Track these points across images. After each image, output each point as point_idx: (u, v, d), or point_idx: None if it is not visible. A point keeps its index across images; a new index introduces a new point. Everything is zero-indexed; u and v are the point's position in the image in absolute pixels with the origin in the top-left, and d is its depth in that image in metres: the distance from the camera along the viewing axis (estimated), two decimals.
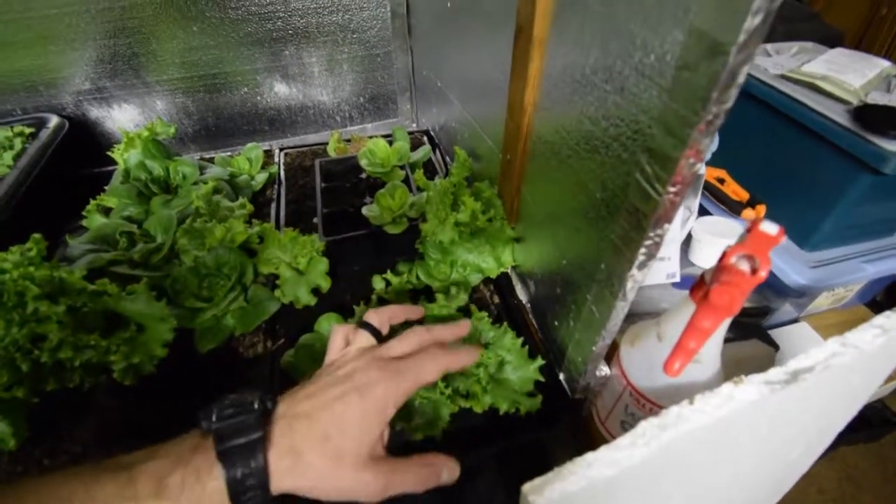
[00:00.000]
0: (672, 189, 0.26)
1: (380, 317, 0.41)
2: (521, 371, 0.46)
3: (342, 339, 0.40)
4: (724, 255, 0.27)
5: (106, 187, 0.68)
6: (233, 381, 0.48)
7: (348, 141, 0.79)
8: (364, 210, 0.55)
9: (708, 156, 0.56)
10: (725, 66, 0.20)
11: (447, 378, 0.44)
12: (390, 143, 0.77)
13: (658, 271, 0.57)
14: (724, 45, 0.20)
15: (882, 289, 0.71)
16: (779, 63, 0.64)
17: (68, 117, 0.75)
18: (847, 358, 0.32)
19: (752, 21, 0.19)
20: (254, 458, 0.29)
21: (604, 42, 0.30)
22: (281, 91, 0.84)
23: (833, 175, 0.58)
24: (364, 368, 0.35)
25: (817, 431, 0.43)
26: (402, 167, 0.64)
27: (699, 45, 0.22)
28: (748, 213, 0.60)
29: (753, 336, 0.58)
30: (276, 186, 0.72)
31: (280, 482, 0.30)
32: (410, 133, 0.84)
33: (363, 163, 0.63)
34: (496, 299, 0.56)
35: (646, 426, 0.28)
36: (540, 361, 0.45)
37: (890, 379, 0.63)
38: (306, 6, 0.75)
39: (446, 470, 0.36)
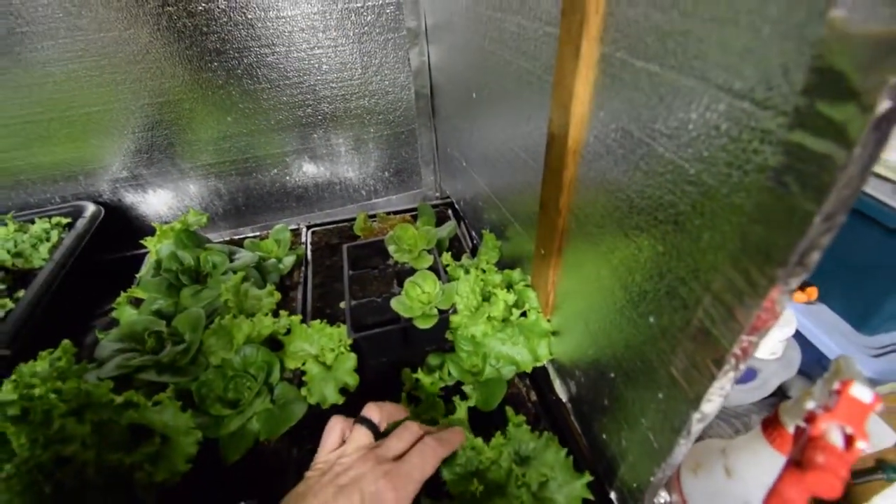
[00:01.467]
0: (749, 337, 0.23)
1: (381, 413, 0.41)
2: (567, 488, 0.42)
3: (339, 436, 0.40)
4: (812, 420, 0.24)
5: (137, 275, 0.69)
6: (259, 493, 0.45)
7: (373, 217, 0.80)
8: (393, 303, 0.54)
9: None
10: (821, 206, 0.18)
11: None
12: (414, 217, 0.76)
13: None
14: (803, 211, 0.18)
15: None
16: None
17: (104, 203, 0.78)
18: None
19: (848, 172, 0.17)
20: None
21: (650, 177, 0.29)
22: (309, 170, 0.86)
23: (885, 254, 0.54)
24: (370, 476, 0.34)
25: None
26: (429, 251, 0.63)
27: (769, 206, 0.20)
28: (800, 296, 0.56)
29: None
30: (303, 268, 0.71)
31: None
32: (434, 206, 0.84)
33: (391, 248, 0.62)
34: (533, 396, 0.53)
35: None
36: (588, 477, 0.41)
37: None
38: (335, 94, 0.78)
39: None
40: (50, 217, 0.70)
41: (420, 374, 0.50)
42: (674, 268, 0.28)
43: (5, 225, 0.67)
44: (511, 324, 0.52)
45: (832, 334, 0.57)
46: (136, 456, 0.42)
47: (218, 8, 0.66)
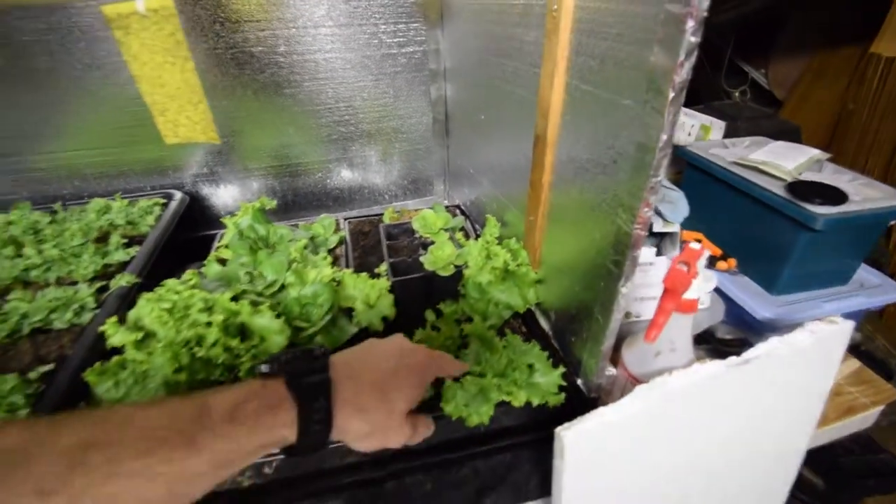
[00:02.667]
0: (637, 227, 0.44)
1: None
2: (548, 377, 0.60)
3: None
4: (671, 265, 0.44)
5: (216, 245, 0.88)
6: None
7: (397, 211, 1.00)
8: (421, 258, 0.73)
9: (680, 218, 0.74)
10: (654, 160, 0.39)
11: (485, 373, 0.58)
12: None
13: (650, 309, 0.72)
14: (651, 148, 0.39)
15: None
16: (733, 153, 0.86)
17: (187, 193, 0.97)
18: (784, 350, 0.47)
19: (666, 133, 0.38)
20: (322, 396, 0.35)
21: (591, 145, 0.50)
22: (346, 176, 1.07)
23: (781, 234, 0.75)
24: (411, 350, 0.45)
25: (788, 423, 0.56)
26: (446, 230, 0.83)
27: (637, 147, 0.41)
28: (721, 265, 0.77)
29: None
30: (343, 246, 0.91)
31: (343, 424, 0.36)
32: (446, 207, 1.04)
33: (416, 226, 0.83)
34: (524, 329, 0.72)
35: (640, 388, 0.44)
36: (562, 369, 0.59)
37: (857, 410, 0.73)
38: (371, 116, 1.01)
39: (431, 428, 0.48)
40: (150, 198, 0.89)
41: (442, 306, 0.69)
42: (603, 202, 0.49)
43: (116, 200, 0.86)
44: (509, 274, 0.71)
45: (751, 295, 0.77)
46: (245, 345, 0.59)
47: (295, 52, 0.89)
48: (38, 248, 0.74)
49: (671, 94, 0.36)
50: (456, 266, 0.74)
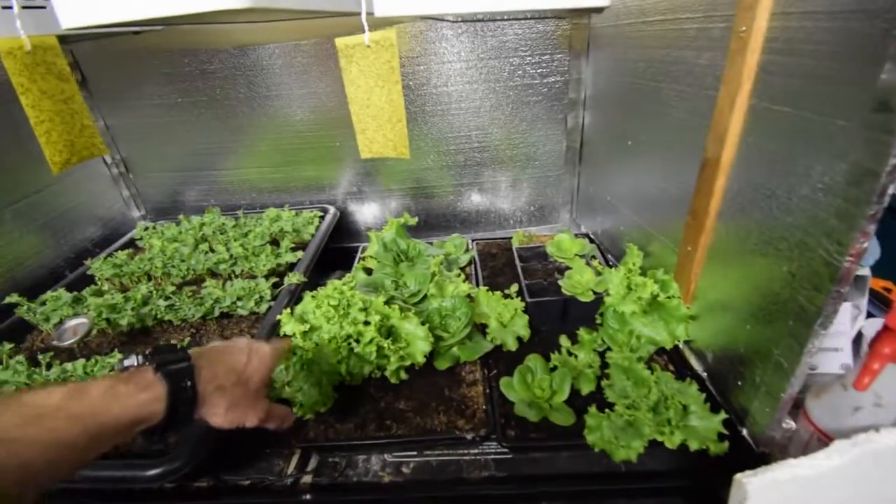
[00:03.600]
0: (849, 259, 0.38)
1: None
2: (706, 421, 0.54)
3: None
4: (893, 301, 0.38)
5: (359, 255, 0.97)
6: (460, 395, 0.64)
7: (527, 236, 1.01)
8: (560, 282, 0.73)
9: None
10: (878, 184, 0.35)
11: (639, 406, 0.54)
12: None
13: (833, 361, 0.62)
14: (876, 171, 0.35)
15: None
16: None
17: (338, 208, 1.10)
18: None
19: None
20: (187, 378, 0.41)
21: (782, 169, 0.46)
22: (475, 199, 1.12)
23: None
24: (257, 344, 0.51)
25: None
26: (581, 256, 0.82)
27: (855, 171, 0.36)
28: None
29: None
30: (473, 265, 0.94)
31: (207, 399, 0.42)
32: (575, 235, 1.03)
33: (550, 250, 0.83)
34: (671, 368, 0.66)
35: (839, 443, 0.38)
36: (723, 415, 0.53)
37: None
38: (506, 143, 1.05)
39: (289, 420, 0.53)
40: (311, 212, 1.02)
41: (582, 333, 0.67)
42: (799, 229, 0.44)
43: (285, 211, 1.01)
44: (656, 306, 0.67)
45: None
46: (394, 346, 0.64)
47: (443, 85, 0.97)
48: (226, 246, 0.89)
49: None
50: (595, 293, 0.72)
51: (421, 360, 0.64)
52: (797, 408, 0.50)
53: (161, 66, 0.98)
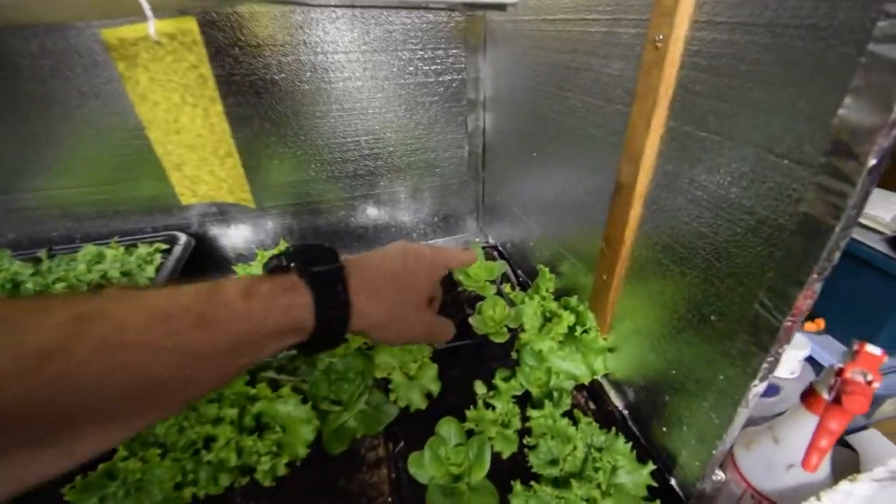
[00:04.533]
0: (790, 319, 0.33)
1: None
2: (635, 476, 0.49)
3: None
4: (841, 372, 0.33)
5: None
6: (359, 484, 0.51)
7: None
8: (471, 320, 0.63)
9: None
10: (830, 241, 0.29)
11: (560, 484, 0.47)
12: None
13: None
14: (829, 225, 0.29)
15: None
16: None
17: (192, 234, 0.88)
18: None
19: (853, 209, 0.28)
20: (337, 282, 0.34)
21: (709, 207, 0.40)
22: (372, 213, 0.98)
23: (880, 292, 0.65)
24: (416, 247, 0.46)
25: None
26: (492, 281, 0.73)
27: (805, 223, 0.31)
28: (810, 326, 0.66)
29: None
30: None
31: (361, 308, 0.36)
32: (483, 247, 0.95)
33: (460, 278, 0.72)
34: (591, 405, 0.61)
35: None
36: (651, 466, 0.49)
37: None
38: (402, 149, 0.92)
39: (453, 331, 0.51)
40: (151, 243, 0.79)
41: (497, 379, 0.59)
42: (729, 277, 0.39)
43: (110, 248, 0.76)
44: (573, 340, 0.61)
45: (838, 358, 0.67)
46: (265, 441, 0.49)
47: (322, 80, 0.80)
48: None
49: (872, 162, 0.27)
50: (510, 329, 0.63)
51: (303, 452, 0.49)
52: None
53: None
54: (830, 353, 0.68)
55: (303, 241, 0.95)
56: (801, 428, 0.38)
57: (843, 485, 0.36)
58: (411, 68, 0.84)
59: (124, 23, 0.28)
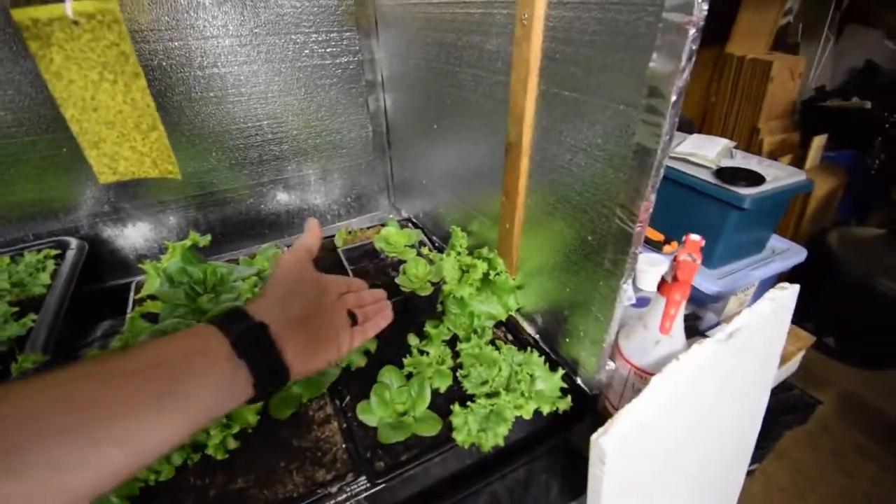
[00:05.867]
0: (640, 225, 0.45)
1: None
2: (549, 381, 0.59)
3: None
4: (675, 258, 0.46)
5: (132, 297, 0.74)
6: (312, 440, 0.55)
7: (349, 234, 0.94)
8: (398, 280, 0.69)
9: None
10: (656, 160, 0.40)
11: (492, 397, 0.56)
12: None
13: None
14: (653, 150, 0.40)
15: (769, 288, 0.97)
16: None
17: (83, 237, 0.80)
18: (756, 320, 0.51)
19: (667, 135, 0.39)
20: (275, 357, 0.38)
21: (575, 150, 0.50)
22: (282, 198, 0.97)
23: (714, 215, 0.84)
24: (335, 308, 0.48)
25: (756, 383, 0.62)
26: (410, 246, 0.79)
27: (638, 150, 0.42)
28: (667, 248, 0.84)
29: (694, 336, 0.78)
30: None
31: (297, 369, 0.40)
32: (398, 222, 1.00)
33: (379, 246, 0.77)
34: (510, 337, 0.71)
35: (655, 380, 0.45)
36: (561, 371, 0.59)
37: (787, 358, 0.85)
38: (306, 132, 0.93)
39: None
40: (39, 250, 0.72)
41: (428, 328, 0.65)
42: (596, 203, 0.49)
43: None
44: (488, 284, 0.70)
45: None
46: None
47: (214, 66, 0.78)
48: None
49: (673, 98, 0.38)
50: (433, 283, 0.70)
51: (253, 419, 0.52)
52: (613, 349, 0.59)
53: None
54: None
55: (212, 233, 0.92)
56: (659, 310, 0.50)
57: (694, 346, 0.49)
58: (307, 51, 0.85)
59: (36, 3, 0.27)
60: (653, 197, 0.43)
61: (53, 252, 0.73)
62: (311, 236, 0.49)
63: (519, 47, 0.53)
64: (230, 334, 0.36)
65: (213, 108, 0.82)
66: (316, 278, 0.47)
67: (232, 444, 0.51)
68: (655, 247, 0.86)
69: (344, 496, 0.49)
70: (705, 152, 0.86)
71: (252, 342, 0.37)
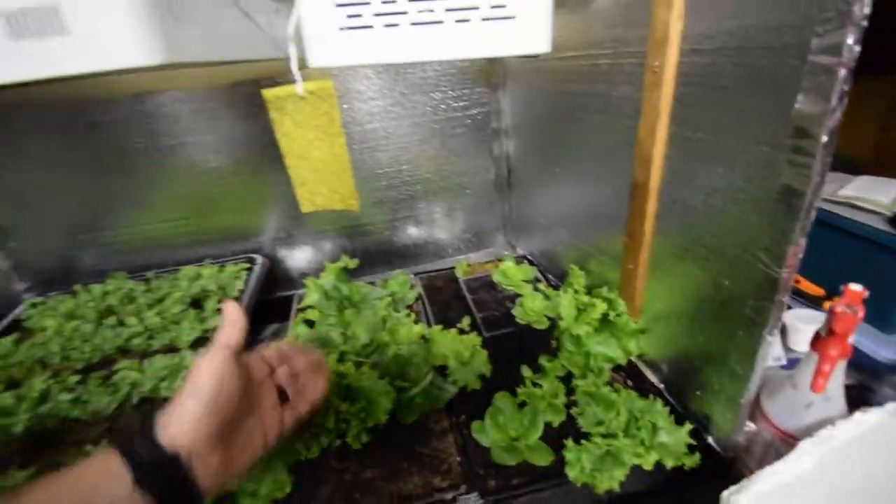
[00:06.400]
0: (787, 271, 0.42)
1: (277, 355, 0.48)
2: (674, 434, 0.56)
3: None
4: (832, 309, 0.41)
5: (295, 306, 0.89)
6: (431, 448, 0.59)
7: (469, 266, 1.01)
8: (514, 311, 0.72)
9: None
10: (804, 203, 0.38)
11: (616, 434, 0.54)
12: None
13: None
14: (801, 192, 0.38)
15: None
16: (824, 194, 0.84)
17: (266, 256, 1.01)
18: None
19: (818, 176, 0.37)
20: (185, 482, 0.34)
21: (710, 192, 0.49)
22: (412, 232, 1.10)
23: (889, 268, 0.71)
24: (263, 396, 0.43)
25: None
26: (527, 282, 0.83)
27: (784, 192, 0.40)
28: (827, 304, 0.73)
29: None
30: (420, 302, 0.91)
31: (212, 486, 0.36)
32: (514, 259, 1.04)
33: (497, 279, 0.82)
34: (630, 383, 0.68)
35: (805, 443, 0.40)
36: (689, 426, 0.55)
37: None
38: (437, 175, 1.05)
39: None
40: (236, 263, 0.92)
41: (542, 361, 0.67)
42: (735, 246, 0.47)
43: (205, 267, 0.90)
44: (607, 325, 0.69)
45: (862, 333, 0.72)
46: (355, 407, 0.58)
47: (365, 122, 0.94)
48: (138, 316, 0.77)
49: (825, 139, 0.36)
50: (549, 318, 0.72)
51: (384, 418, 0.59)
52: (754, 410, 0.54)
53: (44, 120, 0.84)
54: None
55: (355, 258, 1.07)
56: (811, 367, 0.45)
57: (857, 415, 0.43)
58: (443, 106, 0.98)
59: (281, 83, 0.40)
60: (802, 241, 0.41)
61: (245, 266, 0.93)
62: (232, 329, 0.41)
63: (649, 93, 0.55)
64: (134, 468, 0.33)
65: (367, 156, 0.98)
66: (239, 374, 0.40)
67: (365, 437, 0.59)
68: (813, 302, 0.75)
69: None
70: (877, 196, 0.75)
71: (160, 476, 0.33)
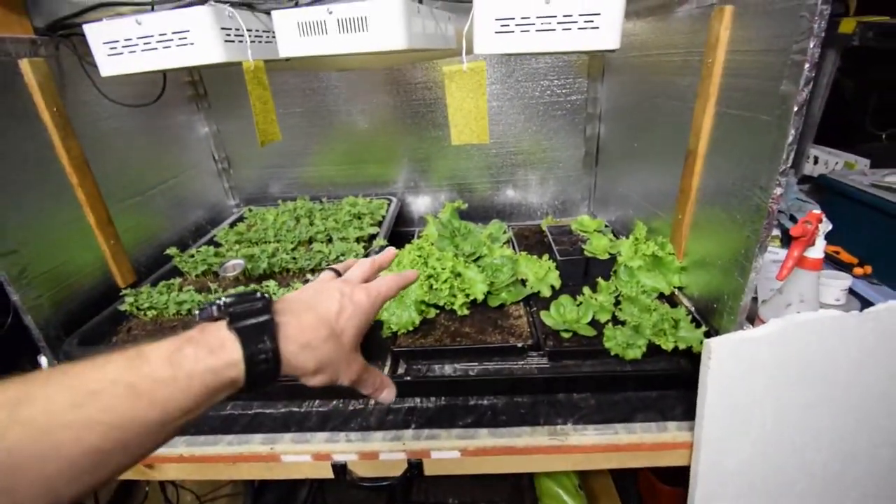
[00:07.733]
0: (772, 201, 0.61)
1: (361, 269, 0.48)
2: (692, 333, 0.76)
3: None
4: (798, 221, 0.60)
5: (419, 236, 1.22)
6: (510, 324, 0.86)
7: (556, 220, 1.25)
8: (583, 246, 0.96)
9: (823, 233, 0.86)
10: (784, 152, 0.58)
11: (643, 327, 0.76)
12: None
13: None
14: (781, 145, 0.58)
15: None
16: (872, 179, 0.95)
17: (398, 199, 1.35)
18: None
19: (793, 135, 0.57)
20: (266, 337, 0.34)
21: (732, 149, 0.69)
22: (510, 194, 1.37)
23: None
24: (351, 290, 0.43)
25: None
26: (599, 231, 1.05)
27: (773, 146, 0.60)
28: (858, 271, 0.85)
29: None
30: (510, 244, 1.17)
31: (290, 361, 0.36)
32: None
33: (574, 227, 1.06)
34: (667, 306, 0.88)
35: (773, 319, 0.60)
36: (704, 328, 0.75)
37: None
38: (537, 148, 1.30)
39: (388, 391, 0.47)
40: (379, 199, 1.28)
41: (600, 282, 0.90)
42: (745, 186, 0.67)
43: (359, 199, 1.27)
44: (656, 262, 0.90)
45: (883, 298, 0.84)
46: (463, 284, 0.87)
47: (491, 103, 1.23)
48: (322, 221, 1.15)
49: (795, 108, 0.56)
50: (610, 253, 0.94)
51: (480, 297, 0.87)
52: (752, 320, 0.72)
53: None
54: (885, 296, 0.85)
55: (461, 212, 1.37)
56: (791, 278, 0.63)
57: (821, 310, 0.61)
58: (548, 92, 1.23)
59: (453, 62, 0.70)
60: (783, 180, 0.60)
61: (385, 202, 1.28)
62: (402, 279, 0.48)
63: (704, 82, 0.76)
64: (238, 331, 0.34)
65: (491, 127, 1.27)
66: (364, 324, 0.43)
67: (466, 310, 0.87)
68: (847, 268, 0.88)
69: (522, 361, 0.79)
70: None
71: (254, 332, 0.35)
